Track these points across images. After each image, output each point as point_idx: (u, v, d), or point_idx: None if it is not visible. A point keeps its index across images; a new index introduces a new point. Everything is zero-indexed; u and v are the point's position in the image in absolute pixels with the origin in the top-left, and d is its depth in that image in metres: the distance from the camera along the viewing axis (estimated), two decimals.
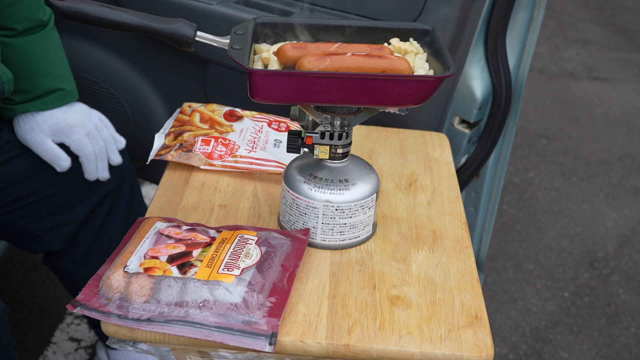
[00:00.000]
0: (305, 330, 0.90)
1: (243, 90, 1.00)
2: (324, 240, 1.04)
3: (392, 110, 1.01)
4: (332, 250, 1.05)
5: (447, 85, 1.47)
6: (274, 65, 0.95)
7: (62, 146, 1.30)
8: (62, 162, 1.28)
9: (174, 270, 0.91)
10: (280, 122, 1.33)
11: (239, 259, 0.93)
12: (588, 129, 3.13)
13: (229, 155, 1.21)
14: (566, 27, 4.18)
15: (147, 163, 1.24)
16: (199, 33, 0.95)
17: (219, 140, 1.23)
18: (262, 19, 1.02)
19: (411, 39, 1.03)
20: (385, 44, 1.03)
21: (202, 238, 0.97)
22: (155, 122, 1.74)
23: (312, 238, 1.04)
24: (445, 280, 1.01)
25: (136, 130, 1.77)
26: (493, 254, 2.31)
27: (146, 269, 0.91)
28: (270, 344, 0.85)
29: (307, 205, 1.02)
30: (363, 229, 1.05)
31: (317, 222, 1.03)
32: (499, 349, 1.95)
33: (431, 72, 0.96)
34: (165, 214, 1.11)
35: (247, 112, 1.33)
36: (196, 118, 1.29)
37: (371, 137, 1.37)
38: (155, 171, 1.76)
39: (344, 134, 1.00)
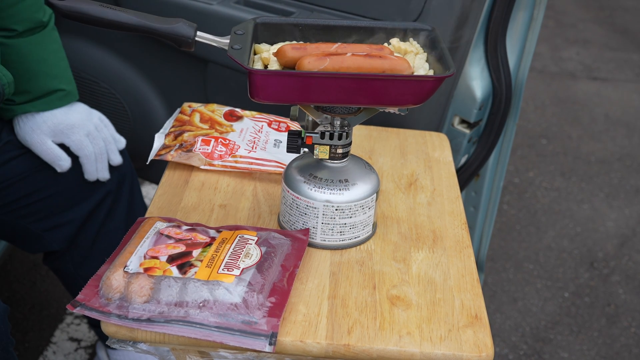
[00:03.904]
0: (305, 330, 0.90)
1: (243, 90, 1.00)
2: (324, 240, 1.04)
3: (392, 110, 1.01)
4: (332, 250, 1.05)
5: (447, 85, 1.47)
6: (274, 66, 0.95)
7: (62, 146, 1.30)
8: (62, 162, 1.28)
9: (174, 270, 0.91)
10: (280, 122, 1.33)
11: (239, 259, 0.93)
12: (588, 129, 3.13)
13: (229, 155, 1.21)
14: (566, 27, 4.18)
15: (147, 163, 1.24)
16: (199, 33, 0.95)
17: (219, 140, 1.23)
18: (262, 19, 1.02)
19: (411, 39, 1.03)
20: (385, 44, 1.03)
21: (202, 238, 0.97)
22: (155, 122, 1.74)
23: (312, 238, 1.04)
24: (445, 280, 1.01)
25: (136, 130, 1.77)
26: (493, 254, 2.31)
27: (146, 269, 0.91)
28: (270, 344, 0.85)
29: (307, 205, 1.02)
30: (363, 229, 1.05)
31: (317, 222, 1.03)
32: (499, 349, 1.95)
33: (431, 72, 0.96)
34: (165, 214, 1.11)
35: (247, 112, 1.33)
36: (196, 118, 1.29)
37: (371, 137, 1.37)
38: (155, 171, 1.76)
39: (344, 134, 1.00)
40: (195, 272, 0.90)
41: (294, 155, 1.16)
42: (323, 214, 1.02)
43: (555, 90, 3.45)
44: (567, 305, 2.12)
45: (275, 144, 1.27)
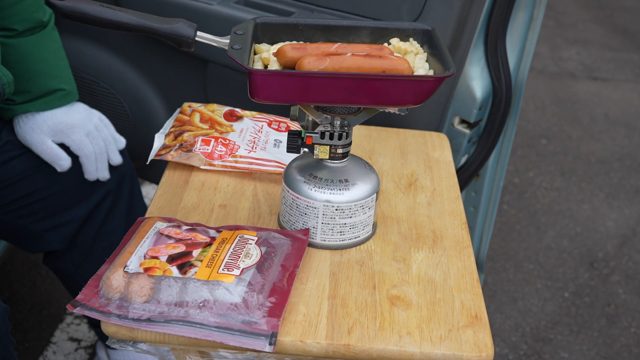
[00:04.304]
0: (305, 330, 0.90)
1: (243, 90, 1.00)
2: (324, 240, 1.04)
3: (392, 110, 1.01)
4: (332, 250, 1.05)
5: (447, 85, 1.47)
6: (274, 66, 0.95)
7: (62, 146, 1.30)
8: (63, 162, 1.28)
9: (174, 270, 0.91)
10: (280, 122, 1.33)
11: (239, 259, 0.93)
12: (588, 129, 3.13)
13: (229, 155, 1.21)
14: (566, 27, 4.18)
15: (147, 163, 1.24)
16: (199, 33, 0.95)
17: (219, 140, 1.23)
18: (262, 19, 1.02)
19: (411, 39, 1.03)
20: (385, 44, 1.03)
21: (202, 238, 0.97)
22: (155, 122, 1.74)
23: (312, 238, 1.04)
24: (445, 280, 1.01)
25: (136, 130, 1.77)
26: (493, 254, 2.31)
27: (146, 269, 0.91)
28: (270, 344, 0.85)
29: (307, 205, 1.02)
30: (363, 229, 1.05)
31: (317, 222, 1.03)
32: (499, 349, 1.95)
33: (431, 72, 0.96)
34: (165, 214, 1.11)
35: (247, 112, 1.33)
36: (196, 118, 1.29)
37: (371, 137, 1.37)
38: (155, 171, 1.76)
39: (344, 134, 1.00)
40: (195, 272, 0.90)
41: (294, 155, 1.16)
42: (323, 214, 1.02)
43: (555, 90, 3.45)
44: (567, 305, 2.12)
45: (275, 144, 1.27)
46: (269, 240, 0.98)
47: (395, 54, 0.97)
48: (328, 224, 1.03)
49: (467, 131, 1.54)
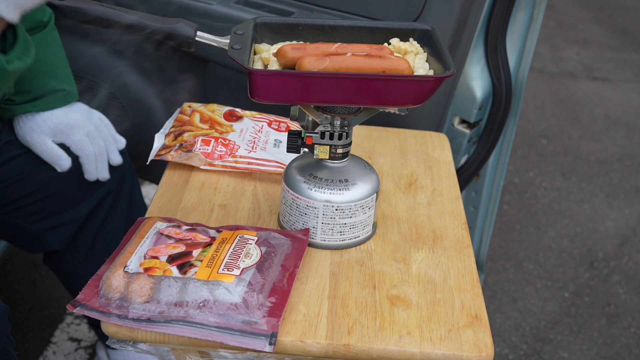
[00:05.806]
0: (305, 330, 0.90)
1: (243, 90, 1.00)
2: (324, 240, 1.04)
3: (392, 110, 1.01)
4: (332, 250, 1.05)
5: (447, 85, 1.47)
6: (274, 66, 0.95)
7: (62, 146, 1.30)
8: (63, 162, 1.28)
9: (174, 270, 0.91)
10: (280, 122, 1.33)
11: (239, 259, 0.93)
12: (588, 129, 3.13)
13: (229, 155, 1.21)
14: (566, 27, 4.18)
15: (147, 163, 1.24)
16: (199, 33, 0.95)
17: (219, 140, 1.23)
18: (262, 19, 1.02)
19: (411, 39, 1.03)
20: (385, 44, 1.03)
21: (202, 238, 0.97)
22: (155, 122, 1.73)
23: (312, 238, 1.04)
24: (445, 280, 1.01)
25: (136, 130, 1.77)
26: (493, 254, 2.31)
27: (146, 269, 0.91)
28: (270, 344, 0.85)
29: (307, 205, 1.02)
30: (363, 229, 1.05)
31: (317, 222, 1.03)
32: (499, 349, 1.95)
33: (431, 72, 0.96)
34: (165, 214, 1.11)
35: (247, 112, 1.33)
36: (196, 118, 1.29)
37: (371, 137, 1.37)
38: (155, 171, 1.76)
39: (344, 134, 1.00)
40: (195, 272, 0.90)
41: (294, 155, 1.16)
42: (323, 214, 1.02)
43: (555, 90, 3.45)
44: (567, 305, 2.12)
45: (275, 144, 1.27)
46: (269, 240, 0.98)
47: (395, 54, 0.97)
48: (328, 224, 1.03)
49: (467, 131, 1.54)
